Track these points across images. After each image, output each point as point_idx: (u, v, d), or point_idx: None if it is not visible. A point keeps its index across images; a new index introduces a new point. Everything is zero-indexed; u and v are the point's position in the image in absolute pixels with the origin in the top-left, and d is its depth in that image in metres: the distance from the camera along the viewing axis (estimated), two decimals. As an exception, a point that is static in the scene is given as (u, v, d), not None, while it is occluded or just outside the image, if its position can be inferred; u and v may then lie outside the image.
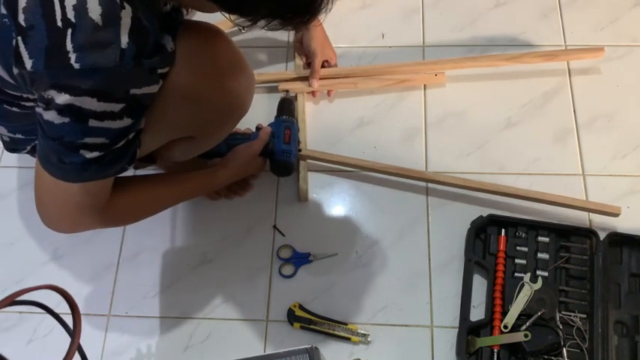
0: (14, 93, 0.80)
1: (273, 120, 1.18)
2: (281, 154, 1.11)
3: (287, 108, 1.19)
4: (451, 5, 1.40)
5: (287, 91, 1.27)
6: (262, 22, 0.68)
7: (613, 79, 1.29)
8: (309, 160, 1.21)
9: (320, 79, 1.25)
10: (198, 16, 0.87)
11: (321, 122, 1.27)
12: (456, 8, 1.39)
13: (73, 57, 0.65)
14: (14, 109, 0.85)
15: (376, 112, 1.28)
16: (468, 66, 1.27)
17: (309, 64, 1.27)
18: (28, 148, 0.99)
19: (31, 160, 1.10)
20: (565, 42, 1.34)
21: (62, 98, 0.68)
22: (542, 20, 1.36)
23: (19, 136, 0.94)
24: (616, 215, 1.10)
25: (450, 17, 1.37)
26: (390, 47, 1.35)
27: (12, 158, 1.26)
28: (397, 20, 1.38)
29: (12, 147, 0.99)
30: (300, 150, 1.17)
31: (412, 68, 1.28)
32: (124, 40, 0.67)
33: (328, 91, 1.28)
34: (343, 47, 1.35)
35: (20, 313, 1.12)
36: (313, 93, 1.27)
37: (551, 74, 1.30)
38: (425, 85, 1.30)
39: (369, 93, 1.30)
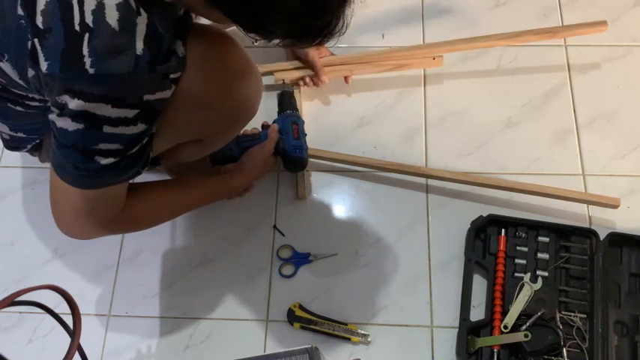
0: (20, 92, 0.81)
1: (275, 116, 1.17)
2: (293, 151, 1.12)
3: (288, 102, 1.19)
4: (451, 5, 1.40)
5: (283, 81, 1.25)
6: (276, 40, 0.69)
7: (613, 79, 1.29)
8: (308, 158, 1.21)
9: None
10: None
11: (320, 122, 1.27)
12: (456, 8, 1.39)
13: (88, 62, 0.65)
14: (18, 107, 0.85)
15: (376, 112, 1.28)
16: (466, 48, 1.25)
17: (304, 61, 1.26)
18: (29, 147, 0.99)
19: (32, 160, 1.11)
20: (565, 42, 1.34)
21: (75, 104, 0.68)
22: (542, 20, 1.36)
23: (20, 134, 0.94)
24: (615, 207, 1.10)
25: (450, 17, 1.37)
26: (390, 47, 1.35)
27: (12, 158, 1.26)
28: (397, 20, 1.38)
29: (12, 145, 0.99)
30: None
31: (409, 53, 1.26)
32: (139, 46, 0.67)
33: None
34: (343, 47, 1.34)
35: (20, 313, 1.12)
36: (314, 81, 1.25)
37: (552, 74, 1.30)
38: (424, 84, 1.30)
39: (369, 93, 1.30)
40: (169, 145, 0.92)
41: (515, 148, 1.22)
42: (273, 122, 1.15)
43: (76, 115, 0.69)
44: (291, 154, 1.12)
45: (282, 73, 1.26)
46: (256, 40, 0.70)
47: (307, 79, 1.25)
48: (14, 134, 0.94)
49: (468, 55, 1.33)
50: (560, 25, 1.35)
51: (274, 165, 1.15)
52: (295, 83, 1.27)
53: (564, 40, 1.34)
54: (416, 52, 1.26)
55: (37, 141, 0.97)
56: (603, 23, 1.23)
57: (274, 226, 1.17)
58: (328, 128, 1.26)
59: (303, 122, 1.18)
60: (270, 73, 1.26)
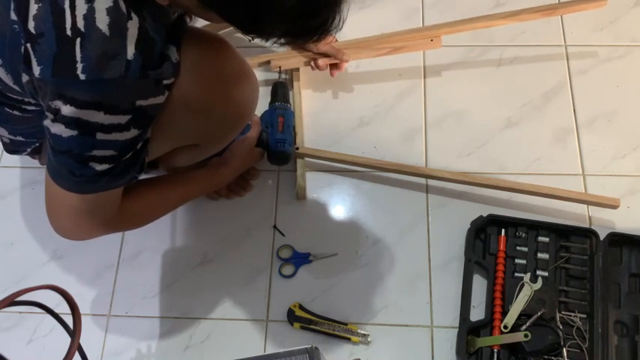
0: (16, 97, 0.80)
1: (267, 106, 1.17)
2: (276, 145, 1.11)
3: (280, 93, 1.18)
4: (451, 5, 1.40)
5: (280, 68, 1.24)
6: (274, 39, 0.68)
7: (613, 79, 1.29)
8: (307, 159, 1.21)
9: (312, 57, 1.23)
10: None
11: (320, 122, 1.27)
12: (456, 8, 1.39)
13: (79, 67, 0.65)
14: (15, 112, 0.85)
15: (376, 112, 1.28)
16: (464, 29, 1.24)
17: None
18: (29, 150, 0.99)
19: (32, 161, 1.11)
20: (565, 42, 1.34)
21: (68, 110, 0.68)
22: (541, 20, 1.35)
23: (19, 138, 0.94)
24: (615, 207, 1.10)
25: (450, 17, 1.37)
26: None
27: (12, 158, 1.26)
28: (397, 20, 1.38)
29: (12, 149, 0.99)
30: (297, 148, 1.17)
31: (406, 36, 1.24)
32: (131, 51, 0.66)
33: (332, 72, 1.25)
34: (343, 47, 1.34)
35: (20, 313, 1.12)
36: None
37: (552, 74, 1.30)
38: (424, 84, 1.30)
39: (369, 93, 1.30)
40: (166, 150, 0.92)
41: (515, 148, 1.22)
42: (262, 113, 1.15)
43: (69, 122, 0.69)
44: (273, 148, 1.11)
45: (279, 61, 1.25)
46: (253, 39, 0.70)
47: (321, 64, 1.22)
48: (13, 138, 0.94)
49: (468, 55, 1.33)
50: (560, 24, 1.35)
51: (260, 156, 1.14)
52: (296, 69, 1.25)
53: (564, 40, 1.34)
54: (413, 35, 1.24)
55: (37, 144, 0.97)
56: None
57: (274, 226, 1.17)
58: (328, 128, 1.26)
59: (292, 114, 1.17)
60: (268, 62, 1.26)
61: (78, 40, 0.65)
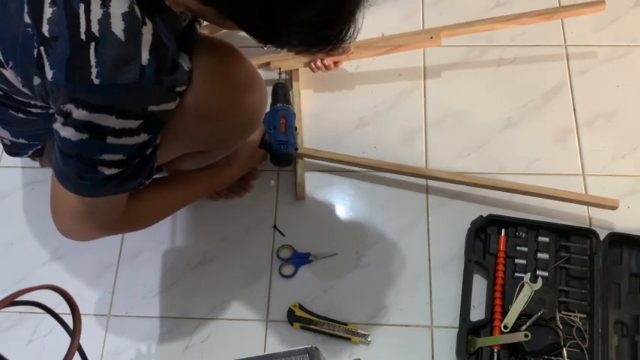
0: (22, 99, 0.80)
1: (268, 108, 1.17)
2: (278, 146, 1.11)
3: (281, 94, 1.18)
4: (451, 5, 1.40)
5: (280, 69, 1.25)
6: (289, 47, 0.69)
7: (613, 79, 1.29)
8: (306, 159, 1.21)
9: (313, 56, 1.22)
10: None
11: (320, 123, 1.27)
12: (456, 8, 1.39)
13: (94, 72, 0.65)
14: (20, 115, 0.85)
15: (376, 112, 1.28)
16: (464, 32, 1.24)
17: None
18: (30, 152, 0.99)
19: (32, 161, 1.10)
20: (565, 42, 1.34)
21: (80, 113, 0.68)
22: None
23: (21, 140, 0.94)
24: (614, 208, 1.11)
25: (450, 17, 1.37)
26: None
27: (13, 158, 1.25)
28: (397, 20, 1.38)
29: (13, 151, 0.99)
30: (297, 148, 1.17)
31: (406, 38, 1.25)
32: (145, 56, 0.66)
33: (326, 66, 1.25)
34: (343, 47, 1.34)
35: (20, 313, 1.12)
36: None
37: (552, 74, 1.30)
38: (424, 84, 1.30)
39: (369, 93, 1.30)
40: (174, 156, 0.92)
41: (515, 148, 1.22)
42: (264, 116, 1.15)
43: (80, 126, 0.69)
44: (276, 150, 1.12)
45: (279, 62, 1.25)
46: (266, 46, 0.70)
47: (327, 62, 1.23)
48: (15, 140, 0.94)
49: (468, 55, 1.33)
50: (560, 24, 1.35)
51: (263, 157, 1.16)
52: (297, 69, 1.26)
53: (564, 40, 1.34)
54: (413, 37, 1.25)
55: (39, 147, 0.97)
56: (601, 2, 1.22)
57: (274, 226, 1.17)
58: (328, 128, 1.26)
59: (294, 115, 1.17)
60: (267, 63, 1.26)
61: (92, 45, 0.65)
